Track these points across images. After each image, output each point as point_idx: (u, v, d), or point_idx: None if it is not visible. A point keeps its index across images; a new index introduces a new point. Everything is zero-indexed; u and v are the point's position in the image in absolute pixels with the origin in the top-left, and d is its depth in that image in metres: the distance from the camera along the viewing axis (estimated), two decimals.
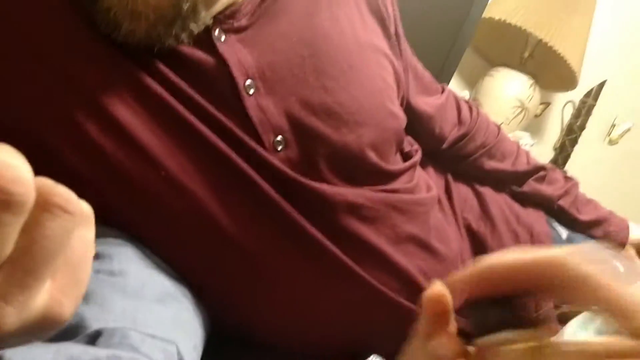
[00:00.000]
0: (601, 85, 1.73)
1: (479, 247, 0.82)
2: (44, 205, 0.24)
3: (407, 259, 0.64)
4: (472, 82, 1.68)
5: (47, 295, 0.25)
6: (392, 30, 0.73)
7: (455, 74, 1.32)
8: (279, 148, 0.59)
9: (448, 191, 0.85)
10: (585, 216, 0.93)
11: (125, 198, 0.53)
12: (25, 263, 0.24)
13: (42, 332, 0.26)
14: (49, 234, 0.24)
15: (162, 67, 0.54)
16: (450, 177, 0.86)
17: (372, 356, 0.61)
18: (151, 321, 0.46)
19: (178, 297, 0.52)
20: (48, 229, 0.24)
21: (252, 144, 0.56)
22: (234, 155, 0.55)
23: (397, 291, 0.63)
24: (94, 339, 0.38)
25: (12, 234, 0.23)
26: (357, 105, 0.62)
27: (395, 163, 0.70)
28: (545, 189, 0.92)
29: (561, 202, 0.92)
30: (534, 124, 1.81)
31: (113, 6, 0.49)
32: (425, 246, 0.68)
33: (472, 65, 1.67)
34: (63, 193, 0.25)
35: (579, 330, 0.58)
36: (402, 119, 0.71)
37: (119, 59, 0.52)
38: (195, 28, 0.54)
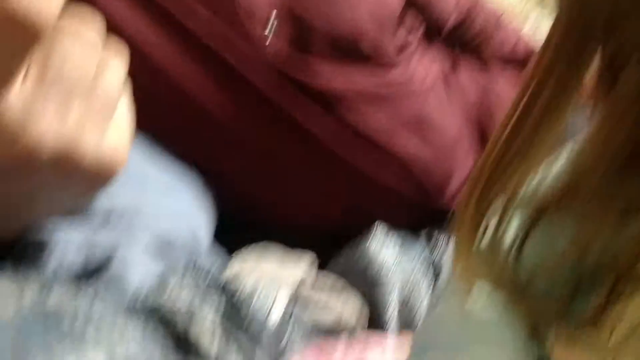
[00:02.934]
0: None
1: (479, 134, 0.83)
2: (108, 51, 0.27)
3: (400, 145, 0.66)
4: None
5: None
6: None
7: None
8: (268, 37, 0.59)
9: (446, 80, 0.85)
10: None
11: None
12: (103, 95, 0.26)
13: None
14: (118, 76, 0.27)
15: None
16: (447, 66, 0.86)
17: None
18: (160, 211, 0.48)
19: (182, 188, 0.55)
20: (117, 72, 0.27)
21: (240, 33, 0.57)
22: (219, 47, 0.56)
23: (389, 178, 0.66)
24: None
25: (97, 60, 0.26)
26: None
27: (391, 54, 0.70)
28: None
29: None
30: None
31: None
32: (419, 131, 0.69)
33: None
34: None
35: None
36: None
37: None
38: None
